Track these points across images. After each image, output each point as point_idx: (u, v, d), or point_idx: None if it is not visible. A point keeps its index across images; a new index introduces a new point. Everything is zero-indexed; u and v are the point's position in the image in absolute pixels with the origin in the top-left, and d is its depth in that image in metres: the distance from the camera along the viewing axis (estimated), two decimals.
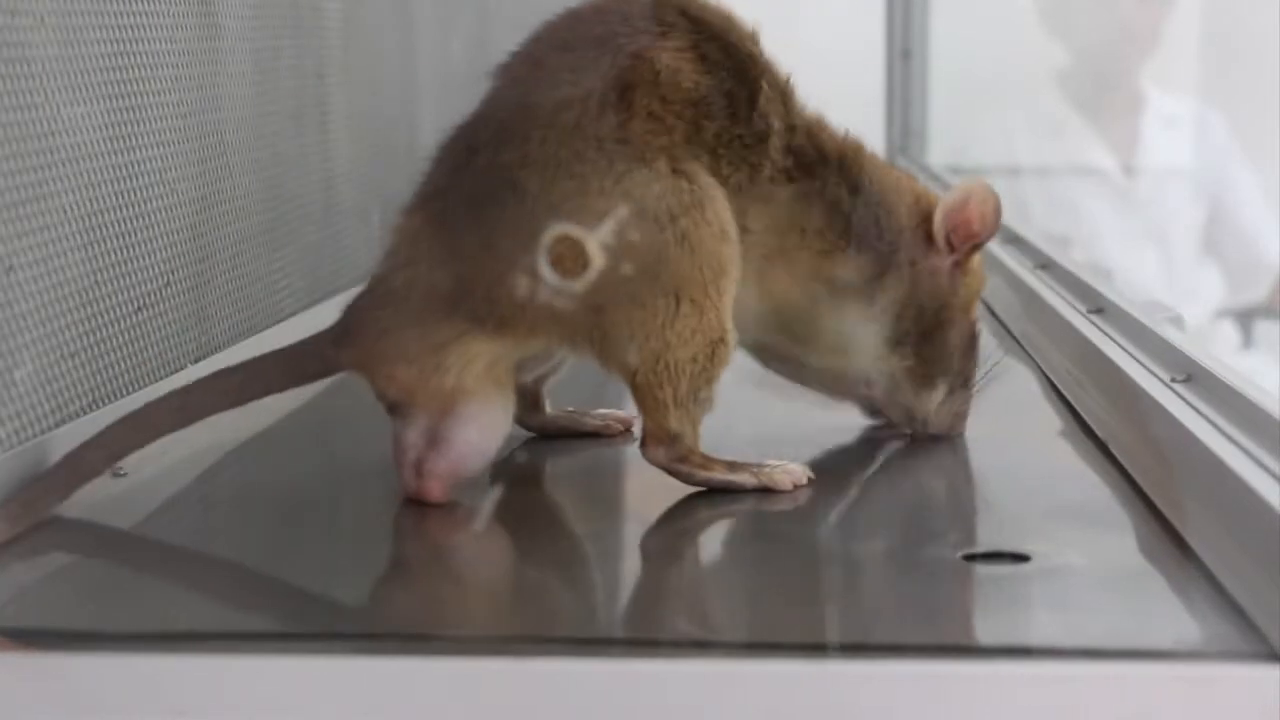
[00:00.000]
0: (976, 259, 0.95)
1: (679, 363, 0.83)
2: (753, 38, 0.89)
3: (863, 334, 0.92)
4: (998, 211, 0.94)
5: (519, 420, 0.97)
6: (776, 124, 0.89)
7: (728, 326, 0.84)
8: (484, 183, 0.83)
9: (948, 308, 0.94)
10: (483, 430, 0.84)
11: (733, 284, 0.85)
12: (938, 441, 0.95)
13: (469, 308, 0.82)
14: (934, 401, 0.95)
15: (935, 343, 0.94)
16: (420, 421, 0.84)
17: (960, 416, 0.96)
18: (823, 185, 0.90)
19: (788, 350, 0.94)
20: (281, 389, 0.88)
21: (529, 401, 0.96)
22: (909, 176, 0.97)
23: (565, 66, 0.84)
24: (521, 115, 0.84)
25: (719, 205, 0.84)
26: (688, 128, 0.85)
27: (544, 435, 0.98)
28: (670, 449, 0.85)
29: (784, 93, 0.90)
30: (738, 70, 0.87)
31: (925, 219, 0.94)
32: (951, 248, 0.93)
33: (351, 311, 0.86)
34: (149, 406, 0.86)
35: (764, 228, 0.89)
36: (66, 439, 0.87)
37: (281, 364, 0.87)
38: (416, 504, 0.84)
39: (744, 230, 0.87)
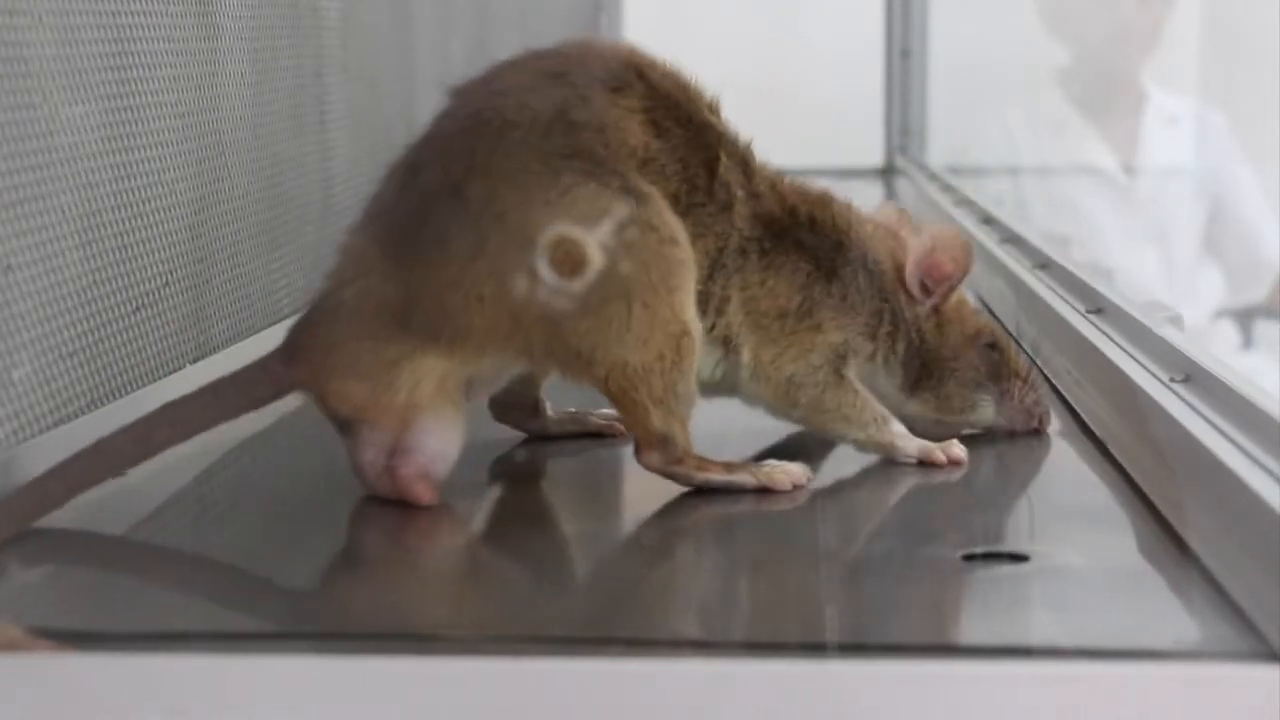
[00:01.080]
0: (957, 294, 0.95)
1: (644, 363, 0.83)
2: (711, 107, 0.89)
3: (878, 393, 0.92)
4: (968, 249, 0.94)
5: (520, 426, 0.97)
6: (739, 193, 0.88)
7: (686, 319, 0.84)
8: (430, 194, 0.82)
9: (946, 345, 0.95)
10: (441, 439, 0.84)
11: (686, 281, 0.84)
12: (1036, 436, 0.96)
13: (420, 321, 0.82)
14: (987, 413, 0.95)
15: (949, 380, 0.95)
16: (376, 437, 0.83)
17: (1029, 411, 0.96)
18: (797, 251, 0.90)
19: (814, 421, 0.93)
20: (235, 415, 0.86)
21: (528, 407, 0.96)
22: (878, 223, 0.95)
23: (518, 88, 0.84)
24: (470, 129, 0.83)
25: (666, 214, 0.83)
26: (633, 176, 0.84)
27: (545, 438, 0.98)
28: (663, 452, 0.85)
29: (744, 160, 0.90)
30: (692, 139, 0.87)
31: (901, 267, 0.94)
32: (928, 291, 0.94)
33: (299, 329, 0.85)
34: (106, 439, 0.83)
35: (743, 300, 0.89)
36: (65, 439, 0.87)
37: (232, 389, 0.85)
38: (413, 505, 0.84)
39: (724, 301, 0.88)
